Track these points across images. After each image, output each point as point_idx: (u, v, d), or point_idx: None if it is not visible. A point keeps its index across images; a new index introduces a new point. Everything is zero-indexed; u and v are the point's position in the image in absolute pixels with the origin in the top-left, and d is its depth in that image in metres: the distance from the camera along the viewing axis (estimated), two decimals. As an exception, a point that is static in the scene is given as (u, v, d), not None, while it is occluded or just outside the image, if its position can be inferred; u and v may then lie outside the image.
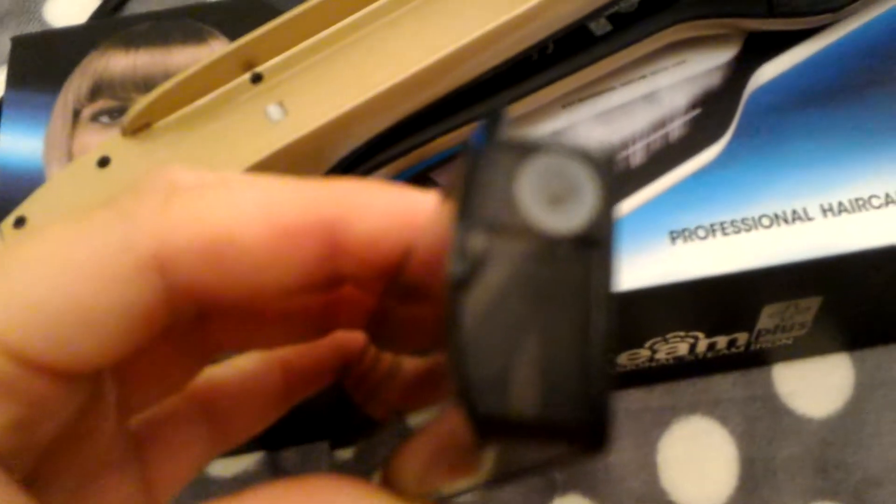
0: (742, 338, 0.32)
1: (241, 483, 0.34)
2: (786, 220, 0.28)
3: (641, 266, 0.28)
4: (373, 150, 0.28)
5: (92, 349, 0.13)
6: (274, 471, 0.34)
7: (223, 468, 0.34)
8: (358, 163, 0.28)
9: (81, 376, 0.14)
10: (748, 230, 0.28)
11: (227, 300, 0.14)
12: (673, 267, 0.28)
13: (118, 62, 0.33)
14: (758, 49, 0.31)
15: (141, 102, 0.27)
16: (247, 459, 0.35)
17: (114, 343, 0.13)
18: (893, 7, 0.31)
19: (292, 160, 0.26)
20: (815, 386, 0.34)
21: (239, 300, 0.14)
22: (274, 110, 0.27)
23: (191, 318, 0.15)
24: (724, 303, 0.30)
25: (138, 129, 0.28)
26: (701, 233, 0.28)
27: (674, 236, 0.28)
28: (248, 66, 0.28)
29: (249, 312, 0.16)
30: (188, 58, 0.33)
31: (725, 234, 0.28)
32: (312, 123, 0.26)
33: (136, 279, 0.13)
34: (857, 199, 0.28)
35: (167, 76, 0.33)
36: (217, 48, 0.33)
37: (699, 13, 0.30)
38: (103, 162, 0.27)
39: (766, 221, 0.28)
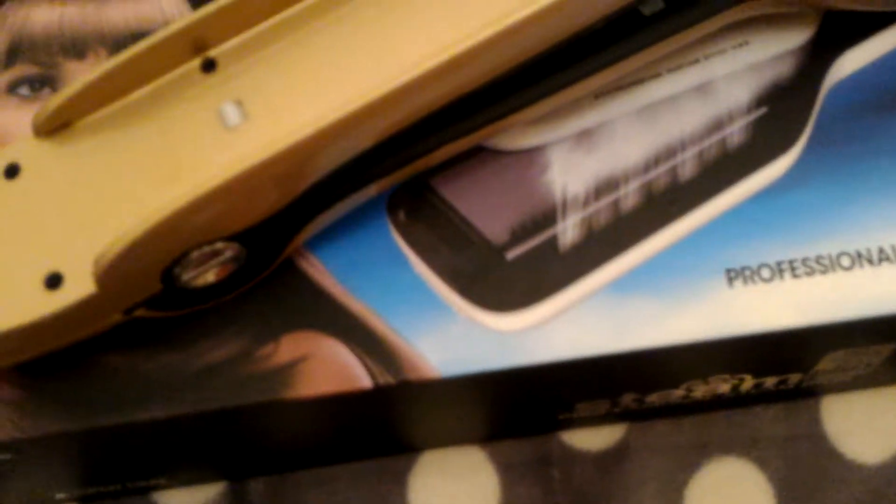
0: (794, 378, 0.27)
1: (199, 519, 0.29)
2: (870, 261, 0.23)
3: (691, 315, 0.22)
4: (362, 161, 0.22)
5: None
6: (238, 502, 0.30)
7: (183, 499, 0.29)
8: (344, 177, 0.22)
9: None
10: (824, 272, 0.23)
11: None
12: (730, 318, 0.22)
13: (41, 16, 0.27)
14: (838, 32, 0.25)
15: (57, 97, 0.21)
16: (208, 490, 0.30)
17: None
18: None
19: (256, 183, 0.20)
20: (869, 425, 0.29)
21: None
22: (231, 111, 0.21)
23: None
24: (784, 352, 0.25)
25: (56, 128, 0.21)
26: (765, 273, 0.23)
27: (731, 276, 0.23)
28: (199, 47, 0.21)
29: None
30: (129, 13, 0.27)
31: (796, 275, 0.23)
32: (280, 138, 0.19)
33: None
34: (960, 237, 0.23)
35: (102, 36, 0.26)
36: (166, 4, 0.27)
37: (772, -15, 0.24)
38: (11, 171, 0.21)
39: (846, 261, 0.23)
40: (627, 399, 0.27)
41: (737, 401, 0.29)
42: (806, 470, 0.29)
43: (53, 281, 0.20)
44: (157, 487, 0.29)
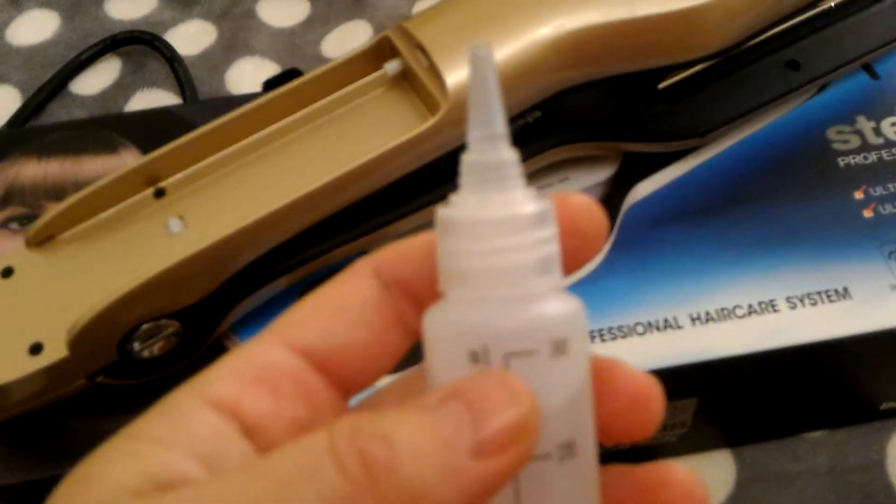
0: (626, 437, 0.34)
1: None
2: (658, 328, 0.30)
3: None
4: (273, 259, 0.29)
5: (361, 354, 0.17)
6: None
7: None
8: (259, 271, 0.29)
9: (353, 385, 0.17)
10: (624, 337, 0.30)
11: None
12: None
13: (29, 171, 0.35)
14: (634, 168, 0.34)
15: (45, 217, 0.28)
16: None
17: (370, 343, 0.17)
18: (750, 134, 0.34)
19: (191, 271, 0.27)
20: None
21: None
22: (175, 223, 0.28)
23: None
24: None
25: (42, 240, 0.29)
26: (580, 340, 0.30)
27: (555, 343, 0.30)
28: (152, 181, 0.29)
29: None
30: (99, 167, 0.35)
31: (603, 340, 0.30)
32: (210, 237, 0.27)
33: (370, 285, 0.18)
34: (722, 309, 0.30)
35: (78, 185, 0.34)
36: (128, 158, 0.35)
37: (580, 136, 0.33)
38: (7, 272, 0.28)
39: (640, 329, 0.30)
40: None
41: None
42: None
43: (36, 348, 0.27)
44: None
